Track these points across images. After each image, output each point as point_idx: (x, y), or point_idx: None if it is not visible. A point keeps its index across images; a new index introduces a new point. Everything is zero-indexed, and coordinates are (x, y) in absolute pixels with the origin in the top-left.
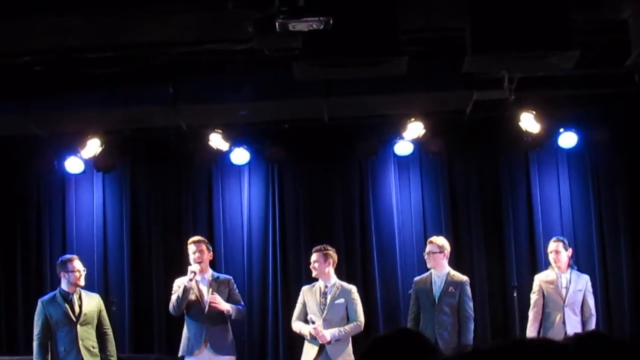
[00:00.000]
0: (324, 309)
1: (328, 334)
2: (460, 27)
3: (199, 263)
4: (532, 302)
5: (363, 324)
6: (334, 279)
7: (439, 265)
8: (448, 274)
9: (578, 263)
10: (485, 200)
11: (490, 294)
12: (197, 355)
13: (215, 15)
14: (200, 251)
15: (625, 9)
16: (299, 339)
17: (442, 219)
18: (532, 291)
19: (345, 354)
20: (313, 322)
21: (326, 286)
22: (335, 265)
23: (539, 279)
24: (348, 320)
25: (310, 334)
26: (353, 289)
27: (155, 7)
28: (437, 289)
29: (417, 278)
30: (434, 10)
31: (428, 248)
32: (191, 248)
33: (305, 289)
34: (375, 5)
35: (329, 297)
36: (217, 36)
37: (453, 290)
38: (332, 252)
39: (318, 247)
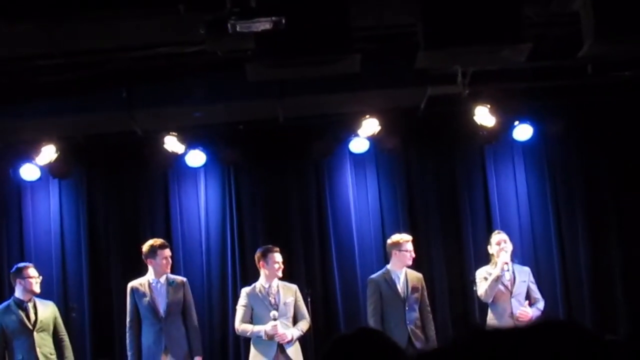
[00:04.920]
0: (277, 309)
1: (289, 333)
2: (412, 24)
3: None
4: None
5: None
6: (276, 279)
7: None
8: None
9: (537, 255)
10: (442, 195)
11: (450, 289)
12: None
13: (167, 19)
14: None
15: (576, 1)
16: None
17: (399, 216)
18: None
19: (300, 352)
20: (275, 319)
21: (270, 286)
22: None
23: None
24: (296, 318)
25: (267, 333)
26: (296, 287)
27: (107, 13)
28: (402, 286)
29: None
30: (386, 8)
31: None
32: (167, 252)
33: (246, 290)
34: (327, 4)
35: (278, 297)
36: (169, 40)
37: (417, 286)
38: None
39: (272, 247)
